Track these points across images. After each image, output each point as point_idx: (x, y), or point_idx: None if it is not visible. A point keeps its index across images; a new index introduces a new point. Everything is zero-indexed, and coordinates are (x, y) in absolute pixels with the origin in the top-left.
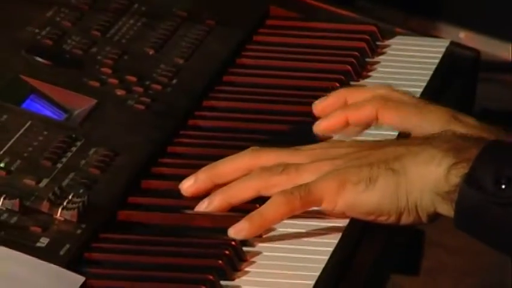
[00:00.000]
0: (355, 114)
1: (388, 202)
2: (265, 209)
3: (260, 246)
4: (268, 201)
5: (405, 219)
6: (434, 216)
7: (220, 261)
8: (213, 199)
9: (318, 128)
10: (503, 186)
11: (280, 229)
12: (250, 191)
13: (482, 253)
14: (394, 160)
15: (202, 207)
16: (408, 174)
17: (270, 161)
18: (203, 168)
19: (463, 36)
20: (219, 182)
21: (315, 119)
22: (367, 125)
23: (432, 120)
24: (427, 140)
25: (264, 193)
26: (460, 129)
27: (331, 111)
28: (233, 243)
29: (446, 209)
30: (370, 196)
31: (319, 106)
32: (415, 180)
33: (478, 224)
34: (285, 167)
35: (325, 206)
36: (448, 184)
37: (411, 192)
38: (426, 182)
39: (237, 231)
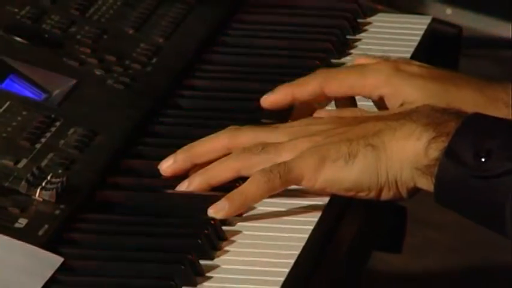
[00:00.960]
0: (300, 90)
1: (368, 178)
2: (245, 188)
3: (240, 225)
4: (248, 180)
5: (385, 195)
6: (414, 191)
7: (199, 241)
8: (192, 180)
9: (265, 102)
10: (482, 159)
11: (261, 208)
12: (230, 172)
13: (468, 229)
14: (373, 136)
15: (183, 188)
16: (387, 150)
17: (248, 140)
18: (182, 149)
19: (450, 12)
20: (198, 162)
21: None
22: (318, 100)
23: (374, 77)
24: (406, 115)
25: (244, 173)
26: (403, 80)
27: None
28: (213, 222)
29: (426, 184)
30: (350, 172)
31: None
32: (395, 155)
33: (458, 197)
34: (264, 147)
35: (305, 184)
36: (427, 158)
37: (391, 167)
38: (406, 157)
39: (217, 210)
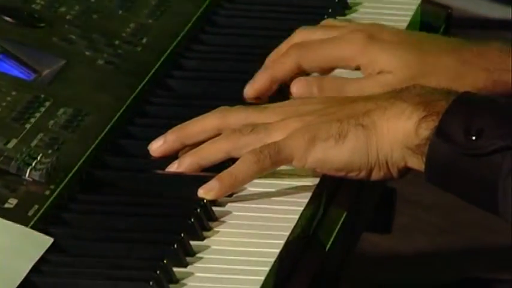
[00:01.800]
0: (278, 72)
1: (358, 157)
2: (235, 169)
3: (230, 205)
4: (238, 161)
5: (376, 175)
6: (405, 171)
7: (190, 221)
8: (183, 161)
9: (248, 92)
10: (473, 138)
11: (251, 189)
12: (220, 153)
13: (457, 209)
14: (364, 115)
15: (172, 168)
16: (378, 129)
17: (238, 121)
18: (172, 129)
19: None
20: (188, 143)
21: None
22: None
23: (348, 48)
24: (397, 94)
25: (235, 154)
26: (379, 49)
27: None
28: (203, 202)
29: (417, 163)
30: (340, 152)
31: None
32: (385, 134)
33: (449, 177)
34: (254, 127)
35: (295, 163)
36: (418, 137)
37: (381, 147)
38: (396, 136)
39: (207, 190)
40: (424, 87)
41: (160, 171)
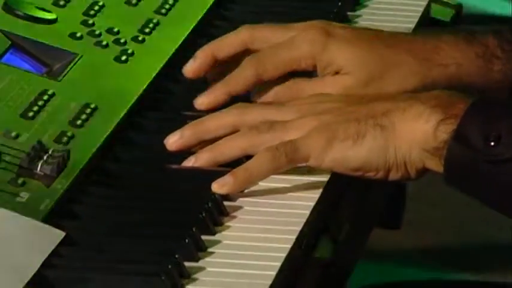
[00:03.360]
0: (236, 87)
1: (376, 158)
2: (251, 165)
3: (242, 200)
4: (254, 157)
5: (393, 175)
6: (423, 172)
7: (201, 215)
8: (199, 156)
9: (201, 106)
10: (492, 143)
11: (263, 184)
12: (237, 150)
13: (463, 206)
14: (382, 116)
15: (189, 163)
16: (396, 130)
17: (256, 118)
18: (189, 124)
19: None
20: (205, 138)
21: (295, 74)
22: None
23: (306, 47)
24: (415, 96)
25: (251, 152)
26: (337, 49)
27: (202, 72)
28: (214, 197)
29: (435, 165)
30: (358, 152)
31: (189, 71)
32: (404, 136)
33: (468, 180)
34: (271, 125)
35: (311, 163)
36: (436, 140)
37: (399, 148)
38: (414, 138)
39: (221, 185)
40: (443, 89)
41: (171, 165)
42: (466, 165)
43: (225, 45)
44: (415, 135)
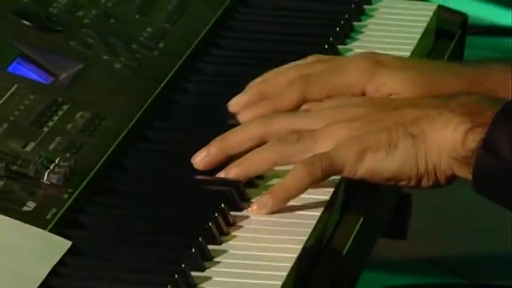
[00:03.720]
0: (280, 104)
1: (409, 167)
2: (287, 182)
3: (248, 210)
4: (290, 174)
5: (425, 183)
6: (453, 179)
7: (207, 225)
8: (229, 172)
9: (244, 118)
10: None
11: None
12: (266, 163)
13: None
14: (412, 124)
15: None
16: (427, 139)
17: (282, 128)
18: (214, 140)
19: None
20: (232, 153)
21: None
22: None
23: (355, 76)
24: (444, 103)
25: (281, 164)
26: (386, 74)
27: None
28: (220, 207)
29: (464, 173)
30: (391, 163)
31: (235, 106)
32: (434, 145)
33: (496, 189)
34: (299, 135)
35: (345, 174)
36: (464, 149)
37: (430, 156)
38: (444, 147)
39: (261, 206)
40: (470, 95)
41: (177, 175)
42: (494, 174)
43: (238, 141)
44: (444, 144)
